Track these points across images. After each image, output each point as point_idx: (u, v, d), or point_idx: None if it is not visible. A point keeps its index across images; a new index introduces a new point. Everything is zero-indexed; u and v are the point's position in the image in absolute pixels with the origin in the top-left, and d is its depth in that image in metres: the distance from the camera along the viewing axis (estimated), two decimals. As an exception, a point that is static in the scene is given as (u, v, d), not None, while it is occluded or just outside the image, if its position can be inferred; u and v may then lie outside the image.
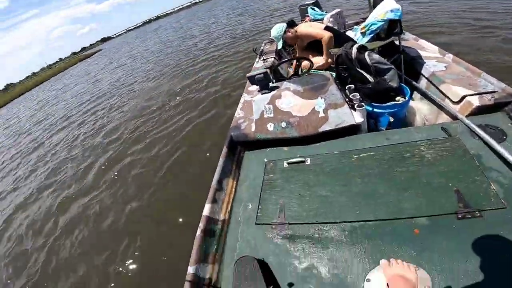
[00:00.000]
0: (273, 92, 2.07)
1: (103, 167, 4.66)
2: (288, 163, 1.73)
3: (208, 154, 3.65)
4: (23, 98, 27.41)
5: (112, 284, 2.55)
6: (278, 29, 2.87)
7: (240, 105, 2.51)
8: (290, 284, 1.23)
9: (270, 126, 1.98)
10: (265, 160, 1.85)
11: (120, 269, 2.65)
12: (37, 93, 25.36)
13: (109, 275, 2.63)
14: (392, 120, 1.98)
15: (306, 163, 1.69)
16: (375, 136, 1.71)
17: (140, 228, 3.03)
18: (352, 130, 1.81)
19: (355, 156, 1.59)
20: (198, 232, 1.53)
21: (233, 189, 1.83)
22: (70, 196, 4.23)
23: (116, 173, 4.28)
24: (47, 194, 4.66)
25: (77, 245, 3.20)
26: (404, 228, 1.18)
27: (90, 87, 13.69)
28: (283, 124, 1.95)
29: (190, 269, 1.39)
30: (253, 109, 2.09)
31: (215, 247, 1.53)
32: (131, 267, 2.64)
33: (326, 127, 1.82)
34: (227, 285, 1.37)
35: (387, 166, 1.45)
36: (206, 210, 1.65)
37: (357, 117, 1.80)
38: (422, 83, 2.27)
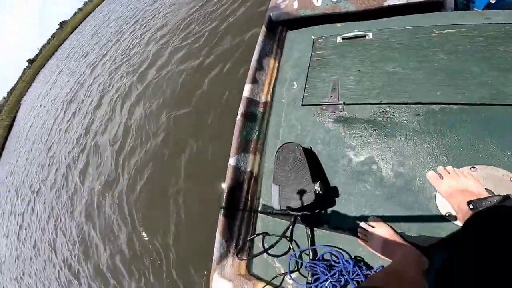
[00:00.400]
0: None
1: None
2: (343, 38, 1.44)
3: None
4: (78, 30, 27.23)
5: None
6: None
7: None
8: (341, 182, 1.11)
9: (317, 1, 1.62)
10: (313, 37, 1.58)
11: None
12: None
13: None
14: (493, 1, 1.38)
15: (368, 38, 1.38)
16: (467, 14, 1.27)
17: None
18: (432, 6, 1.35)
19: (437, 32, 1.22)
20: (238, 116, 1.41)
21: (275, 69, 1.63)
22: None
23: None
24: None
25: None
26: (505, 116, 0.92)
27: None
28: None
29: (231, 161, 1.32)
30: None
31: (257, 133, 1.43)
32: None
33: (395, 0, 1.37)
34: (268, 178, 1.31)
35: (486, 44, 1.11)
36: (246, 91, 1.50)
37: None
38: None
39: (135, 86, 5.46)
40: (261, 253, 1.19)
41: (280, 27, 1.79)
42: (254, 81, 1.56)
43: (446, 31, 1.22)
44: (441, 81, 1.08)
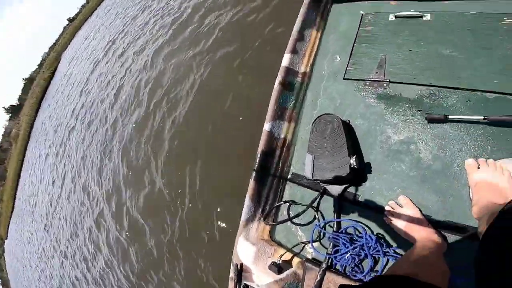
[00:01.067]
0: None
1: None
2: (397, 16, 1.33)
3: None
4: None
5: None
6: None
7: None
8: (376, 158, 1.11)
9: None
10: (362, 12, 1.47)
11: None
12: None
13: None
14: None
15: (425, 19, 1.26)
16: None
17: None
18: None
19: (508, 20, 1.08)
20: (276, 84, 1.42)
21: (317, 41, 1.56)
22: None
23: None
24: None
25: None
26: None
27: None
28: None
29: (266, 126, 1.36)
30: None
31: (293, 102, 1.43)
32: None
33: None
34: (302, 146, 1.35)
35: None
36: (285, 61, 1.46)
37: None
38: None
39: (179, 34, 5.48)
40: (286, 220, 1.24)
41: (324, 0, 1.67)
42: (294, 51, 1.52)
43: None
44: (502, 70, 0.99)
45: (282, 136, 1.43)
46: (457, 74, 1.08)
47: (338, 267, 1.09)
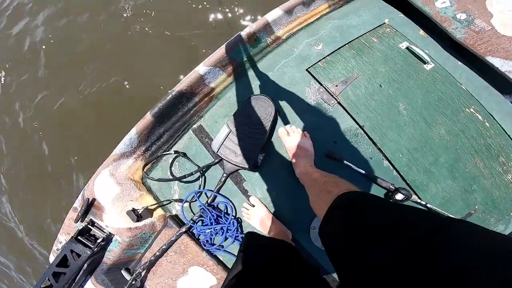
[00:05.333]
0: None
1: None
2: (408, 48, 1.29)
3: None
4: None
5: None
6: None
7: None
8: (271, 160, 1.17)
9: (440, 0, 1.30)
10: (386, 20, 1.38)
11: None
12: None
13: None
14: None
15: (426, 66, 1.27)
16: None
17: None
18: None
19: (472, 109, 1.21)
20: (242, 32, 1.22)
21: (319, 15, 1.40)
22: None
23: None
24: None
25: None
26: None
27: None
28: None
29: (200, 69, 1.17)
30: None
31: (245, 59, 1.28)
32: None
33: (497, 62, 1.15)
34: (223, 106, 1.24)
35: None
36: (272, 15, 1.27)
37: None
38: None
39: None
40: (165, 180, 1.15)
41: None
42: (289, 11, 1.29)
43: None
44: (419, 155, 1.14)
45: (212, 85, 1.22)
46: (386, 133, 1.17)
47: (194, 231, 1.16)
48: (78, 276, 1.02)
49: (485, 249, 0.30)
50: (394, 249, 0.37)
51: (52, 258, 1.10)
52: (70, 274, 1.00)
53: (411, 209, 0.44)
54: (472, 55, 1.19)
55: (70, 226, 1.10)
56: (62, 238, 1.11)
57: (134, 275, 1.09)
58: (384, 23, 1.38)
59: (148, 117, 1.12)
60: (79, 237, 1.02)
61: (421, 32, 1.37)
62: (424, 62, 1.26)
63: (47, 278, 0.98)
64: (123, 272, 1.12)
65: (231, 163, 1.11)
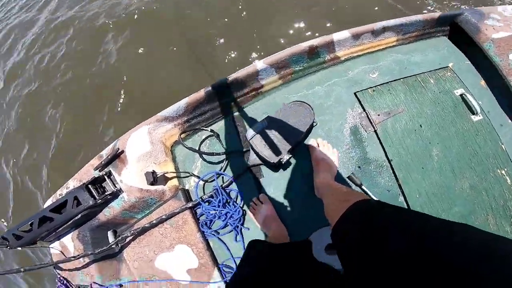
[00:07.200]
0: None
1: None
2: (461, 96, 1.29)
3: None
4: None
5: None
6: None
7: None
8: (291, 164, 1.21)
9: None
10: (450, 64, 1.40)
11: None
12: None
13: None
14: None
15: (474, 117, 1.26)
16: None
17: None
18: None
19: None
20: (305, 43, 1.27)
21: (388, 45, 1.44)
22: None
23: None
24: None
25: None
26: None
27: None
28: None
29: (258, 64, 1.23)
30: None
31: (299, 69, 1.33)
32: None
33: None
34: (266, 103, 1.30)
35: None
36: (340, 35, 1.31)
37: None
38: None
39: None
40: (195, 150, 1.18)
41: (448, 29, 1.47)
42: (356, 36, 1.33)
43: None
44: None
45: (262, 83, 1.28)
46: (411, 173, 1.18)
47: (197, 211, 1.18)
48: (64, 226, 0.98)
49: None
50: (412, 242, 0.37)
51: (49, 203, 1.08)
52: (57, 222, 0.95)
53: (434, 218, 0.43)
54: None
55: (86, 173, 1.11)
56: (72, 183, 1.11)
57: (119, 239, 1.07)
58: (448, 66, 1.37)
59: (201, 93, 1.19)
60: (89, 185, 0.99)
61: (482, 82, 1.35)
62: (473, 113, 1.24)
63: (31, 222, 0.94)
64: (109, 233, 1.12)
65: (258, 155, 1.13)
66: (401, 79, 1.31)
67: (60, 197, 1.01)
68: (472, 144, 1.20)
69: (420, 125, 1.22)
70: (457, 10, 1.48)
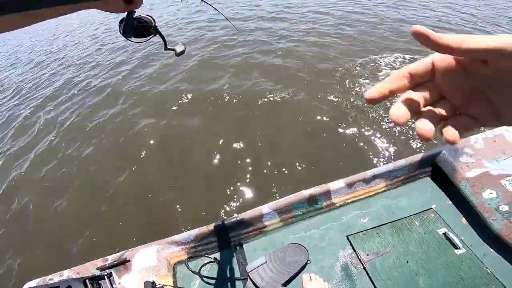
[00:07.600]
0: None
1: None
2: (446, 237, 1.42)
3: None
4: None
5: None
6: None
7: None
8: None
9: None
10: (433, 206, 1.57)
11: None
12: None
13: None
14: None
15: (456, 251, 1.38)
16: None
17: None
18: None
19: None
20: (305, 192, 1.51)
21: (376, 191, 1.66)
22: None
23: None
24: None
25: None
26: None
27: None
28: None
29: (264, 208, 1.45)
30: None
31: (300, 213, 1.54)
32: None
33: None
34: (269, 240, 1.46)
35: None
36: (337, 185, 1.55)
37: None
38: None
39: None
40: (195, 273, 1.33)
41: (434, 171, 1.68)
42: (349, 185, 1.58)
43: None
44: None
45: (266, 224, 1.50)
46: None
47: None
48: None
49: None
50: None
51: (33, 283, 1.11)
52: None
53: None
54: (506, 244, 1.29)
55: (86, 269, 1.20)
56: (67, 273, 1.18)
57: None
58: (431, 208, 1.54)
59: (210, 227, 1.41)
60: (87, 280, 1.02)
61: (463, 220, 1.49)
62: (456, 247, 1.36)
63: None
64: None
65: (255, 285, 1.28)
66: (389, 223, 1.50)
67: (51, 281, 1.05)
68: (457, 272, 1.30)
69: (407, 261, 1.35)
70: (437, 148, 1.67)
